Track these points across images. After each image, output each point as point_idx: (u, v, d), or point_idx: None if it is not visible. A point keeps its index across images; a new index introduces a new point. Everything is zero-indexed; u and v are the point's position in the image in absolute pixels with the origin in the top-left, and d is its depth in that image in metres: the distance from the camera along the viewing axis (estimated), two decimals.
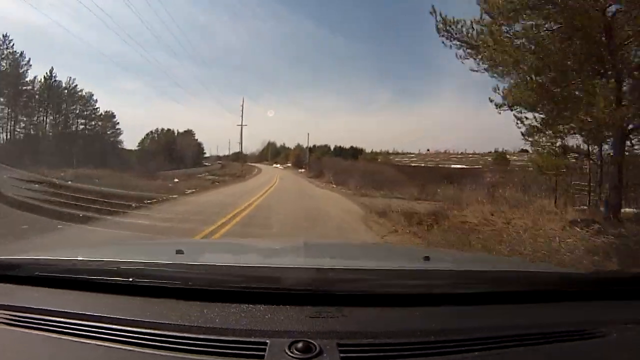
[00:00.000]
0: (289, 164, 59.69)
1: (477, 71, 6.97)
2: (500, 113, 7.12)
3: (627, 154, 6.71)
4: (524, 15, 5.65)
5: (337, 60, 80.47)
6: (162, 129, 56.94)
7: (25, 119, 30.38)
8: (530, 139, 7.63)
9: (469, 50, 6.87)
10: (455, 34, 6.88)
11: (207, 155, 64.35)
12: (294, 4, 68.86)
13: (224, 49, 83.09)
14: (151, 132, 56.58)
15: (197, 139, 60.63)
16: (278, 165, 64.19)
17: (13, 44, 29.13)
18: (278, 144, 78.81)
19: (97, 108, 36.96)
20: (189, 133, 59.08)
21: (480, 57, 6.69)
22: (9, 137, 29.03)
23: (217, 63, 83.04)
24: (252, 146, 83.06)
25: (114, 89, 63.99)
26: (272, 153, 76.83)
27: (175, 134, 56.96)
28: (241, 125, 38.53)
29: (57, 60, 65.70)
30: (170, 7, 65.60)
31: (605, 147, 7.52)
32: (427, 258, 1.26)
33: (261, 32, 73.62)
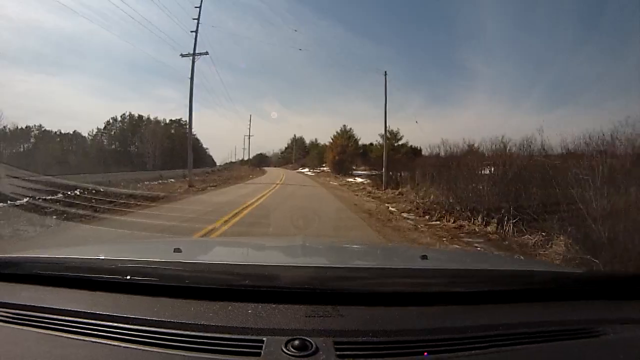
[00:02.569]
0: (325, 167, 38.38)
1: None
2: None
3: None
4: None
5: (366, 65, 78.97)
6: (131, 115, 42.19)
7: None
8: None
9: None
10: None
11: (235, 159, 56.70)
12: (324, 10, 68.93)
13: (250, 54, 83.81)
14: (113, 119, 42.26)
15: (193, 134, 50.50)
16: (305, 170, 43.95)
17: None
18: (307, 140, 62.32)
19: None
20: (175, 124, 44.43)
21: None
22: None
23: (245, 69, 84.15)
24: (278, 148, 75.25)
25: (146, 95, 66.43)
26: (300, 152, 60.90)
27: (152, 123, 41.91)
28: (190, 83, 15.58)
29: (88, 67, 66.76)
30: (204, 16, 66.90)
31: None
32: (424, 257, 1.26)
33: (290, 38, 73.96)
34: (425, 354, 0.73)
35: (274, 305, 0.85)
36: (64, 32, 58.88)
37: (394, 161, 18.67)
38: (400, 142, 30.61)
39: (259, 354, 0.70)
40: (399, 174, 16.57)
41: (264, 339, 0.74)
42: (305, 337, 0.73)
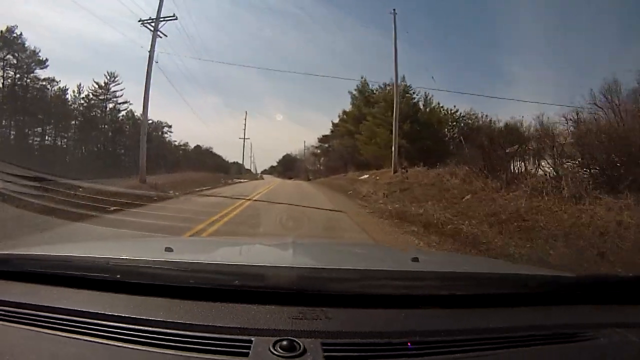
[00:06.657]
0: None
1: None
2: None
3: None
4: None
5: (402, 70, 77.04)
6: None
7: None
8: None
9: None
10: None
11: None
12: (360, 14, 69.22)
13: (283, 58, 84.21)
14: None
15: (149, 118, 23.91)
16: None
17: None
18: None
19: None
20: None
21: None
22: None
23: (284, 75, 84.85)
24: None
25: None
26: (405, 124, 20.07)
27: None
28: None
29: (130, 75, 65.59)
30: (241, 25, 68.43)
31: None
32: (415, 259, 1.25)
33: (325, 42, 73.98)
34: (409, 344, 0.74)
35: (262, 306, 0.85)
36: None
37: None
38: None
39: (247, 354, 0.70)
40: None
41: (252, 339, 0.74)
42: (293, 338, 0.73)
